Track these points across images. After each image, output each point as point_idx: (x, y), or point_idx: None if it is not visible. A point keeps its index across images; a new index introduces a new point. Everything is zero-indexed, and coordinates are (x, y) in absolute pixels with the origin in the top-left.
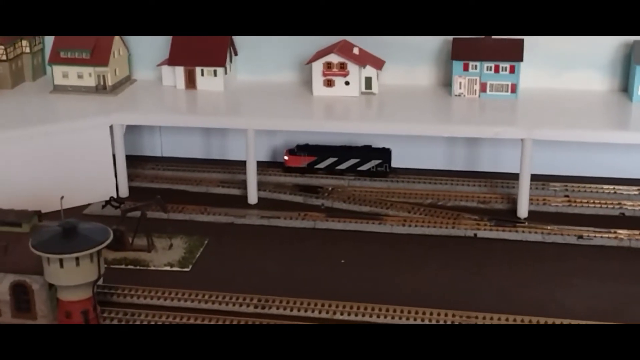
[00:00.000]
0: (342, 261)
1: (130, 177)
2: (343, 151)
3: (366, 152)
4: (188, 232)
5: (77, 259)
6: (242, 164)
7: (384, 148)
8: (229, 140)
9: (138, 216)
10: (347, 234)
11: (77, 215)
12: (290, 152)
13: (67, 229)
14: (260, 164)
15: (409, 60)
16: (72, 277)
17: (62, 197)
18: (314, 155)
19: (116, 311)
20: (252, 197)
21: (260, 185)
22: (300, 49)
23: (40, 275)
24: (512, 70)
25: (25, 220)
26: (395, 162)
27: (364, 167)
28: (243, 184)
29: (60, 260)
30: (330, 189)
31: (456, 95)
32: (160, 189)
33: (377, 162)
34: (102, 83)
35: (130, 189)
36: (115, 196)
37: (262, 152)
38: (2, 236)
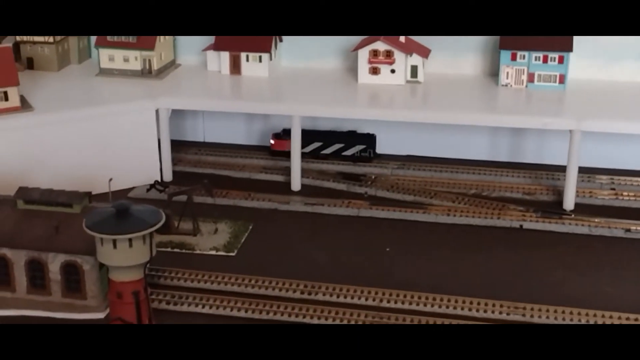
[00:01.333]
0: (388, 249)
1: (173, 162)
2: (328, 136)
3: (351, 137)
4: (232, 217)
5: (130, 240)
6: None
7: (368, 134)
8: (270, 126)
9: (184, 200)
10: (391, 223)
11: (122, 198)
12: (276, 136)
13: (120, 210)
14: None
15: (455, 49)
16: (124, 258)
17: (110, 180)
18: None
19: (164, 293)
20: (296, 184)
21: (304, 173)
22: (345, 37)
23: (91, 256)
24: (561, 60)
25: (76, 202)
26: (438, 152)
27: (349, 152)
28: (286, 171)
29: (114, 241)
30: (373, 177)
31: (503, 85)
32: (204, 173)
33: (362, 147)
34: (147, 67)
35: (174, 173)
36: (159, 180)
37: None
38: (54, 216)
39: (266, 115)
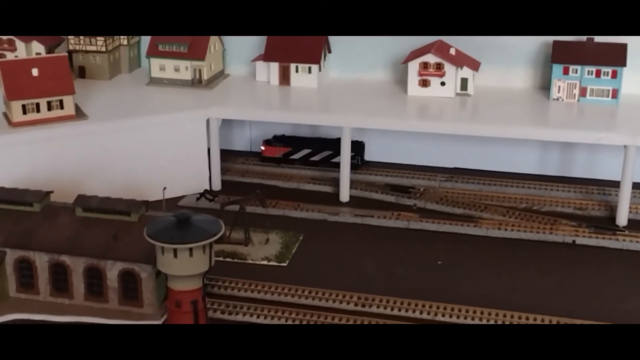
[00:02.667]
0: (439, 262)
1: (222, 171)
2: (317, 143)
3: (340, 144)
4: (281, 227)
5: (190, 249)
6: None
7: (357, 141)
8: (320, 137)
9: (236, 210)
10: (442, 236)
11: (172, 207)
12: (267, 142)
13: (181, 219)
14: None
15: (506, 62)
16: (185, 267)
17: (164, 188)
18: (289, 146)
19: (218, 302)
20: (344, 195)
21: (351, 184)
22: (394, 49)
23: (148, 264)
24: (614, 75)
25: (134, 210)
26: (486, 165)
27: (338, 159)
28: (333, 182)
29: (175, 250)
30: (421, 189)
31: (554, 99)
32: (251, 183)
33: (351, 154)
34: (197, 77)
35: (222, 182)
36: (208, 189)
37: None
38: (112, 224)
39: (313, 126)
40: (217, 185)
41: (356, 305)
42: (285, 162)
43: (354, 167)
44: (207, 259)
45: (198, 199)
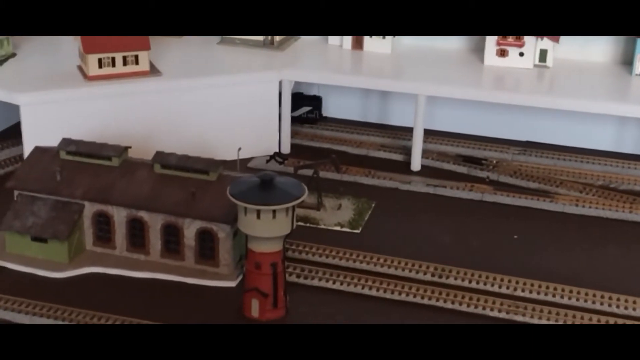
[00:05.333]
0: (515, 237)
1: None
2: (296, 99)
3: (297, 98)
4: (352, 193)
5: (274, 211)
6: (402, 129)
7: (315, 95)
8: (390, 104)
9: (310, 174)
10: (516, 209)
11: (242, 168)
12: None
13: (265, 181)
14: None
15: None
16: (267, 228)
17: (239, 149)
18: None
19: (293, 266)
20: (416, 164)
21: (423, 153)
22: None
23: (227, 224)
24: None
25: (212, 169)
26: (563, 140)
27: (295, 114)
28: (404, 150)
29: (258, 212)
30: (494, 161)
31: (637, 75)
32: (320, 148)
33: (308, 109)
34: (269, 38)
35: (291, 146)
36: (278, 151)
37: None
38: (190, 183)
39: (384, 92)
40: (286, 149)
41: (433, 275)
42: None
43: (312, 122)
44: (290, 222)
45: (268, 161)
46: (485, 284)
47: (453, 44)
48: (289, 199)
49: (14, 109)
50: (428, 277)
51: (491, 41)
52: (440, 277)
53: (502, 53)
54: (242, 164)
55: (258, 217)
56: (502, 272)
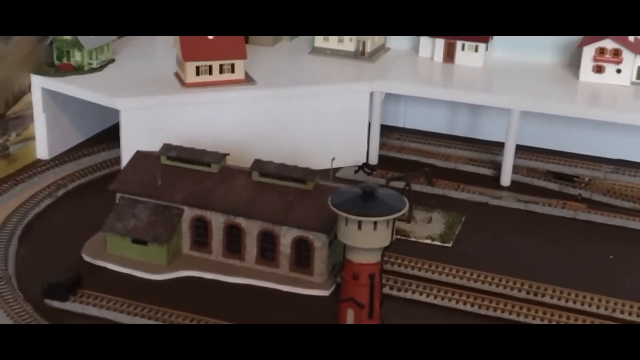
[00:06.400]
0: (611, 257)
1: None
2: None
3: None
4: (442, 207)
5: (375, 223)
6: (490, 144)
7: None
8: (478, 117)
9: (402, 186)
10: (611, 229)
11: (329, 178)
12: None
13: (366, 192)
14: None
15: None
16: (367, 240)
17: (333, 159)
18: None
19: (386, 278)
20: (506, 179)
21: (513, 168)
22: None
23: (323, 234)
24: None
25: (310, 178)
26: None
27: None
28: (493, 164)
29: (359, 222)
30: (586, 179)
31: None
32: (407, 160)
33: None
34: (360, 49)
35: (379, 157)
36: (366, 162)
37: None
38: (287, 191)
39: (472, 106)
40: (374, 159)
41: (527, 293)
42: None
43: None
44: (390, 234)
45: (356, 171)
46: (582, 304)
47: (546, 59)
48: (391, 211)
49: (106, 113)
50: (523, 295)
51: (587, 57)
52: (535, 294)
53: (599, 69)
54: (328, 174)
55: (359, 228)
56: (598, 292)
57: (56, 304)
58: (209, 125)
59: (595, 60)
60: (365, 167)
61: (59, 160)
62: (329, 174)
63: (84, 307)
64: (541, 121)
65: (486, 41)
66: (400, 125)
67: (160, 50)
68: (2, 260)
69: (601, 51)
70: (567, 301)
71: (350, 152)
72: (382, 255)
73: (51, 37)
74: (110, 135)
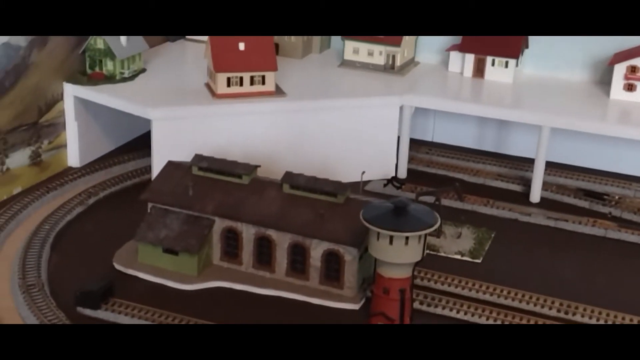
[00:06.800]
0: None
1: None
2: None
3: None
4: (471, 222)
5: (407, 238)
6: (519, 159)
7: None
8: (507, 133)
9: (432, 201)
10: None
11: (359, 191)
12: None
13: (398, 207)
14: None
15: None
16: (399, 254)
17: (363, 173)
18: None
19: (416, 293)
20: (535, 196)
21: (543, 185)
22: (594, 48)
23: (354, 247)
24: None
25: (340, 192)
26: None
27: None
28: (522, 180)
29: (391, 237)
30: (616, 197)
31: None
32: (436, 174)
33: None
34: (390, 63)
35: (407, 171)
36: (395, 176)
37: None
38: (318, 204)
39: (501, 121)
40: (402, 173)
41: (558, 311)
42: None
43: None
44: (421, 249)
45: (385, 185)
46: (614, 322)
47: (576, 76)
48: (423, 226)
49: (135, 123)
50: (554, 313)
51: (619, 75)
52: (566, 313)
53: (630, 87)
54: (357, 187)
55: (391, 242)
56: (631, 312)
57: (88, 312)
58: (239, 136)
59: (626, 78)
60: (394, 180)
61: (89, 168)
62: (358, 187)
63: (116, 316)
64: (570, 138)
65: (516, 57)
66: (429, 139)
67: (190, 60)
68: (34, 267)
69: (632, 69)
70: (598, 320)
71: (378, 165)
72: (413, 270)
73: (84, 46)
74: (138, 144)
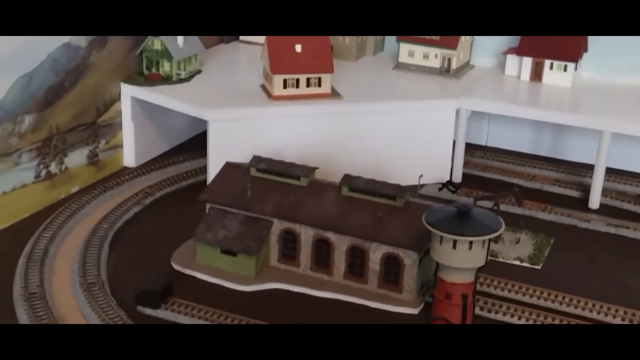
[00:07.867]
0: None
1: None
2: None
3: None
4: (529, 228)
5: (470, 242)
6: (577, 165)
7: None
8: (564, 138)
9: (490, 206)
10: None
11: (414, 195)
12: None
13: (462, 211)
14: None
15: None
16: (462, 259)
17: (420, 176)
18: None
19: (476, 299)
20: (595, 202)
21: (602, 191)
22: None
23: (414, 251)
24: None
25: (400, 195)
26: None
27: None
28: (580, 186)
29: (454, 242)
30: None
31: None
32: (492, 179)
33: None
34: (446, 66)
35: (462, 175)
36: (450, 180)
37: None
38: (377, 207)
39: (558, 126)
40: (457, 178)
41: (622, 320)
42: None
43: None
44: (485, 254)
45: (440, 189)
46: None
47: (636, 80)
48: (487, 231)
49: (190, 123)
50: (618, 321)
51: None
52: (631, 321)
53: None
54: (414, 191)
55: (454, 247)
56: None
57: (148, 311)
58: (294, 138)
59: None
60: (449, 184)
61: (145, 168)
62: (413, 190)
63: (175, 316)
64: (629, 144)
65: (575, 61)
66: (483, 143)
67: (244, 62)
68: (94, 265)
69: None
70: None
71: (433, 169)
72: (475, 276)
73: (142, 47)
74: (192, 145)
